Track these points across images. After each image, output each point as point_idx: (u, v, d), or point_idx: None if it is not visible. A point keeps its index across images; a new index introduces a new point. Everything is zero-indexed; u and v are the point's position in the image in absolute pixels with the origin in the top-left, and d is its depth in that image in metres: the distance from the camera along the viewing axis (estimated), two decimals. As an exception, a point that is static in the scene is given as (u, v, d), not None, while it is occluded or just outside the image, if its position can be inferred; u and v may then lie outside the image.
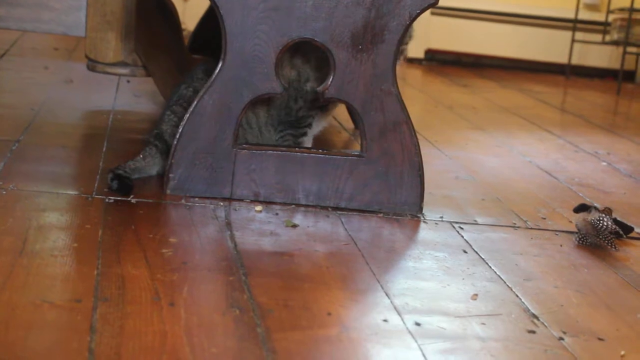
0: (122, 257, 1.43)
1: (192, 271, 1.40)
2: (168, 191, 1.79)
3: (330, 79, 1.81)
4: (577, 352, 1.26)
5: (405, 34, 1.81)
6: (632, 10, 4.42)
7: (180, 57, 2.54)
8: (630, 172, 2.47)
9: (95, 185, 1.80)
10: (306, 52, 1.93)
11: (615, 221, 1.81)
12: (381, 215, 1.81)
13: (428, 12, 4.51)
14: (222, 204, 1.77)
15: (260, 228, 1.65)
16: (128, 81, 2.97)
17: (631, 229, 1.85)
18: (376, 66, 1.81)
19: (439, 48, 4.64)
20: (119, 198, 1.73)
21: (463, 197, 2.01)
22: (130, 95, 2.80)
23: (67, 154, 2.06)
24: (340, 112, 2.76)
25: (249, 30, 1.77)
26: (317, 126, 2.03)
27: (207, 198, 1.79)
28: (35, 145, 2.07)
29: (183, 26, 2.91)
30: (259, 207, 1.77)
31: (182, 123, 1.79)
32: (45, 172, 1.87)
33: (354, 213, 1.80)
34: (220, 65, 1.78)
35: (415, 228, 1.77)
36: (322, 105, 1.96)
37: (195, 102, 1.79)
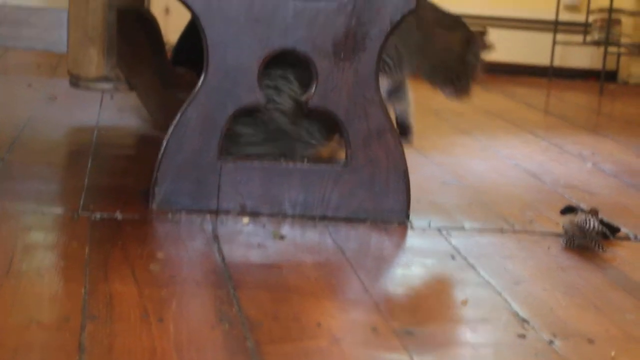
0: (110, 274, 1.42)
1: (181, 286, 1.40)
2: (154, 206, 1.79)
3: (313, 88, 1.81)
4: (568, 355, 1.26)
5: (386, 41, 1.81)
6: (611, 10, 4.44)
7: (163, 70, 2.53)
8: (615, 173, 2.48)
9: (81, 202, 1.79)
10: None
11: (601, 222, 1.81)
12: (368, 223, 1.81)
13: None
14: (208, 217, 1.77)
15: (248, 240, 1.65)
16: (111, 96, 2.96)
17: (618, 230, 1.85)
18: (358, 74, 1.81)
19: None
20: (105, 215, 1.72)
21: (450, 203, 2.02)
22: (114, 110, 2.79)
23: (52, 171, 2.05)
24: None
25: (230, 41, 1.77)
26: None
27: (194, 211, 1.78)
28: (19, 163, 2.06)
29: (165, 39, 2.91)
30: (245, 219, 1.77)
31: (166, 137, 1.79)
32: (30, 190, 1.86)
33: (341, 222, 1.80)
34: (202, 77, 1.78)
35: (403, 235, 1.77)
36: None
37: (178, 115, 1.78)
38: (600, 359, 1.26)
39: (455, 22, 2.21)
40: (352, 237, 1.73)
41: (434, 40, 2.13)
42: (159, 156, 1.79)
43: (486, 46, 2.17)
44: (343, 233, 1.74)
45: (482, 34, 2.21)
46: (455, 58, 2.15)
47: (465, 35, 2.16)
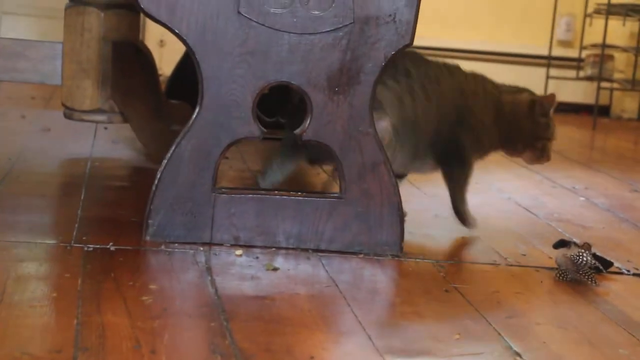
0: (102, 305, 1.42)
1: (173, 317, 1.39)
2: (147, 237, 1.79)
3: (308, 122, 1.81)
4: (561, 389, 1.26)
5: (381, 75, 1.82)
6: (604, 46, 4.48)
7: (157, 102, 2.54)
8: (609, 207, 2.48)
9: (74, 233, 1.79)
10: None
11: (594, 256, 1.81)
12: (362, 256, 1.81)
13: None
14: (202, 248, 1.76)
15: (241, 272, 1.65)
16: (105, 128, 2.96)
17: (611, 264, 1.86)
18: (353, 108, 1.81)
19: (415, 87, 4.67)
20: (98, 246, 1.72)
21: (443, 236, 2.02)
22: (108, 142, 2.80)
23: (45, 202, 2.05)
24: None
25: (225, 74, 1.78)
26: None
27: (187, 243, 1.78)
28: (12, 195, 2.06)
29: (160, 71, 2.92)
30: (239, 251, 1.77)
31: (160, 169, 1.79)
32: (23, 222, 1.86)
33: (335, 254, 1.80)
34: (197, 110, 1.79)
35: (397, 268, 1.77)
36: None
37: (172, 148, 1.79)
38: (593, 393, 1.26)
39: (510, 86, 2.15)
40: (346, 269, 1.73)
41: (504, 110, 2.07)
42: (153, 188, 1.79)
43: (552, 102, 2.11)
44: (336, 265, 1.74)
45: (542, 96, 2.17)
46: (526, 122, 2.08)
47: (529, 96, 2.10)
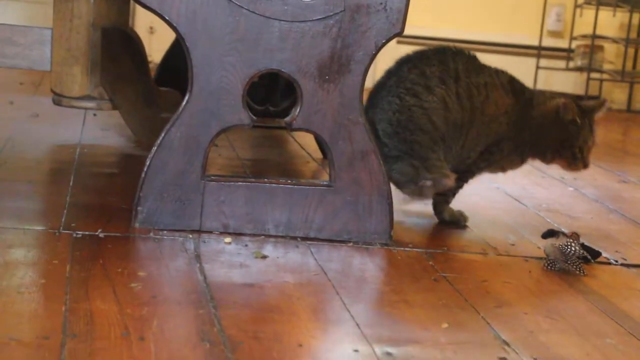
0: (91, 292, 1.41)
1: (162, 305, 1.39)
2: (136, 224, 1.78)
3: (298, 110, 1.81)
4: (549, 378, 1.26)
5: (371, 63, 1.81)
6: (594, 37, 4.48)
7: (146, 89, 2.53)
8: (597, 197, 2.49)
9: (63, 220, 1.79)
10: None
11: (582, 246, 1.82)
12: (351, 244, 1.81)
13: (394, 41, 4.54)
14: (191, 236, 1.76)
15: (230, 260, 1.65)
16: (95, 114, 2.95)
17: (599, 254, 1.86)
18: (343, 96, 1.81)
19: (405, 76, 4.66)
20: (86, 233, 1.72)
21: (432, 225, 2.02)
22: (97, 129, 2.79)
23: (33, 189, 2.04)
24: (309, 142, 2.77)
25: (215, 61, 1.77)
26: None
27: (176, 231, 1.78)
28: (1, 181, 2.05)
29: (149, 58, 2.91)
30: (228, 239, 1.76)
31: (150, 156, 1.78)
32: (11, 208, 1.85)
33: (324, 243, 1.80)
34: (187, 97, 1.78)
35: (386, 257, 1.77)
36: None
37: (162, 135, 1.78)
38: (580, 382, 1.26)
39: (539, 93, 2.08)
40: (335, 257, 1.73)
41: (535, 121, 2.01)
42: (142, 175, 1.78)
43: (585, 107, 2.03)
44: (326, 254, 1.74)
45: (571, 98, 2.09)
46: (557, 129, 2.00)
47: (556, 104, 2.02)
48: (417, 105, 1.93)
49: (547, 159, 2.06)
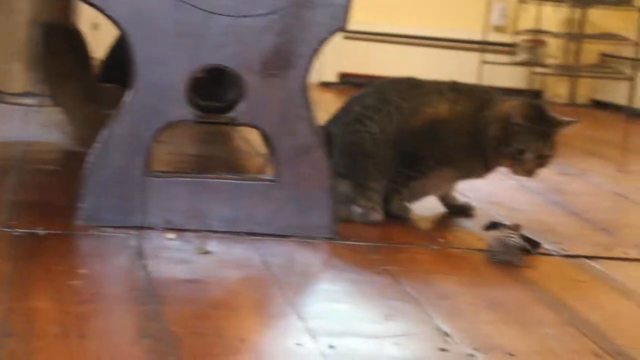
0: (30, 290, 1.40)
1: (103, 302, 1.38)
2: (78, 221, 1.77)
3: (242, 105, 1.81)
4: (488, 368, 1.28)
5: (315, 58, 1.82)
6: (537, 31, 4.53)
7: (89, 86, 2.52)
8: (539, 190, 2.52)
9: (2, 218, 1.76)
10: None
11: (524, 237, 1.84)
12: (295, 239, 1.81)
13: (341, 36, 4.55)
14: (134, 232, 1.75)
15: (173, 256, 1.64)
16: (36, 112, 2.92)
17: (539, 245, 1.89)
18: (287, 91, 1.81)
19: (352, 71, 4.68)
20: (27, 231, 1.70)
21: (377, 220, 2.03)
22: (38, 125, 2.75)
23: (-26, 187, 2.02)
24: (254, 137, 2.76)
25: (158, 57, 1.76)
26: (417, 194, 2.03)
27: (119, 227, 1.77)
28: (-60, 179, 2.02)
29: (92, 55, 2.88)
30: (171, 235, 1.76)
31: (92, 152, 1.77)
32: (-49, 206, 1.83)
33: (268, 238, 1.80)
34: (129, 92, 1.77)
35: (329, 251, 1.78)
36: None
37: (104, 131, 1.77)
38: (520, 372, 1.28)
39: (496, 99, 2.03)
40: (279, 252, 1.73)
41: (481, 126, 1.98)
42: (84, 172, 1.77)
43: (551, 119, 1.98)
44: (269, 249, 1.74)
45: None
46: (494, 135, 1.97)
47: (511, 104, 1.98)
48: (365, 131, 1.97)
49: (491, 163, 2.03)
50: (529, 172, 2.01)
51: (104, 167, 1.77)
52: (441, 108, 2.00)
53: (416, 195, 2.05)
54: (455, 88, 2.04)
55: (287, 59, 1.80)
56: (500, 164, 2.04)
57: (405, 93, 2.01)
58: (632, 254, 1.93)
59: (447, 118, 2.00)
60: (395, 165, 1.99)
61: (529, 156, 1.98)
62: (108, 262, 1.58)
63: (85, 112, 2.48)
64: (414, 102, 2.00)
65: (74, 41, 2.47)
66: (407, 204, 2.05)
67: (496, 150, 2.00)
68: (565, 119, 2.03)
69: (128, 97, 1.77)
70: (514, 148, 1.98)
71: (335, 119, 2.04)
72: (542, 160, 2.00)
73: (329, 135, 1.95)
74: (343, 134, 1.99)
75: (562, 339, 1.42)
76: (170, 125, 1.81)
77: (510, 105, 1.99)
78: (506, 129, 1.98)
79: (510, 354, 1.33)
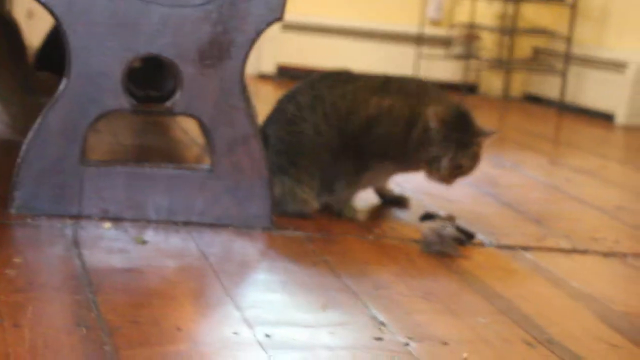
0: (-36, 279, 1.38)
1: (38, 291, 1.37)
2: (12, 210, 1.75)
3: (178, 95, 1.81)
4: (422, 356, 1.30)
5: (251, 48, 1.82)
6: (472, 25, 4.59)
7: (24, 74, 2.48)
8: (473, 181, 2.55)
9: None
10: None
11: (458, 228, 1.87)
12: (232, 228, 1.82)
13: (279, 28, 4.55)
14: (69, 222, 1.74)
15: (109, 245, 1.64)
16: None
17: (473, 236, 1.92)
18: (224, 81, 1.82)
19: (290, 63, 4.69)
20: (-40, 219, 1.68)
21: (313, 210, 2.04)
22: (-28, 113, 2.71)
23: None
24: (191, 125, 2.76)
25: (94, 46, 1.75)
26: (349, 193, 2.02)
27: (54, 217, 1.75)
28: None
29: (28, 43, 2.84)
30: (107, 224, 1.75)
31: (27, 141, 1.75)
32: None
33: (205, 227, 1.80)
34: (64, 82, 1.76)
35: (266, 241, 1.78)
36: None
37: (39, 119, 1.75)
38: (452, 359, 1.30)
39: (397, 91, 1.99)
40: (216, 242, 1.73)
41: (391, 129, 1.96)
42: (19, 160, 1.75)
43: (476, 129, 1.96)
44: (207, 238, 1.74)
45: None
46: (415, 138, 1.94)
47: (431, 110, 1.94)
48: (299, 132, 1.96)
49: (411, 162, 2.01)
50: (444, 180, 1.98)
51: (39, 156, 1.76)
52: (376, 104, 1.98)
53: (355, 190, 2.06)
54: (389, 83, 2.03)
55: (223, 49, 1.81)
56: (419, 168, 2.01)
57: (340, 90, 1.99)
58: (563, 244, 1.97)
59: (382, 114, 1.99)
60: (334, 163, 1.99)
61: (444, 164, 1.95)
62: (43, 251, 1.57)
63: (20, 100, 2.45)
64: (349, 101, 1.99)
65: (8, 29, 2.43)
66: (354, 207, 2.05)
67: (416, 153, 1.97)
68: (487, 129, 2.01)
69: (63, 85, 1.76)
70: (431, 154, 1.95)
71: (270, 120, 2.01)
72: (459, 170, 1.97)
73: (265, 136, 1.94)
74: (278, 134, 1.97)
75: (495, 328, 1.44)
76: (106, 115, 1.80)
77: (432, 110, 1.95)
78: (425, 133, 1.95)
79: (444, 343, 1.36)
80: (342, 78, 2.02)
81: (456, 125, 1.96)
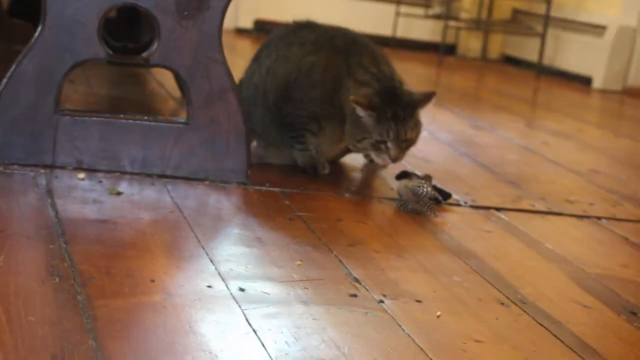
0: None
1: (10, 239, 1.36)
2: (-15, 159, 1.73)
3: (155, 46, 1.78)
4: (396, 313, 1.30)
5: (229, 1, 1.80)
6: (454, -15, 4.56)
7: (-2, 20, 2.44)
8: (450, 142, 2.55)
9: None
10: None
11: (434, 188, 1.87)
12: (208, 182, 1.81)
13: (257, -18, 4.50)
14: (43, 171, 1.72)
15: (83, 196, 1.62)
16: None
17: (449, 195, 1.92)
18: (202, 33, 1.79)
19: (267, 18, 4.65)
20: None
21: (290, 167, 2.03)
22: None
23: None
24: (168, 79, 2.73)
25: (70, -7, 1.72)
26: (327, 151, 1.99)
27: (28, 165, 1.73)
28: None
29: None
30: (81, 175, 1.73)
31: (0, 88, 1.73)
32: None
33: (181, 181, 1.79)
34: (39, 29, 1.73)
35: (242, 195, 1.77)
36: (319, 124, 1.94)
37: (13, 67, 1.73)
38: (426, 317, 1.31)
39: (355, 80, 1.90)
40: (191, 195, 1.72)
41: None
42: (-8, 108, 1.73)
43: (407, 101, 1.86)
44: (182, 191, 1.73)
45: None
46: (349, 131, 1.87)
47: (353, 99, 1.84)
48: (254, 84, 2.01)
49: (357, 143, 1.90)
50: (394, 159, 1.87)
51: (12, 104, 1.73)
52: (308, 62, 1.97)
53: (324, 152, 1.99)
54: (329, 40, 2.04)
55: (201, 0, 1.78)
56: (363, 153, 1.94)
57: (287, 50, 2.03)
58: (538, 206, 1.98)
59: (301, 75, 1.95)
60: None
61: (390, 144, 1.85)
62: (16, 200, 1.55)
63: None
64: (294, 61, 1.98)
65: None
66: (322, 160, 2.00)
67: (356, 143, 1.89)
68: (421, 94, 1.91)
69: (38, 33, 1.73)
70: (373, 139, 1.85)
71: (244, 81, 2.05)
72: (406, 143, 1.88)
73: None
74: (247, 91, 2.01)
75: (469, 286, 1.45)
76: (81, 64, 1.77)
77: (354, 99, 1.84)
78: (358, 119, 1.85)
79: (418, 300, 1.36)
80: (290, 39, 2.10)
81: (387, 102, 1.85)
